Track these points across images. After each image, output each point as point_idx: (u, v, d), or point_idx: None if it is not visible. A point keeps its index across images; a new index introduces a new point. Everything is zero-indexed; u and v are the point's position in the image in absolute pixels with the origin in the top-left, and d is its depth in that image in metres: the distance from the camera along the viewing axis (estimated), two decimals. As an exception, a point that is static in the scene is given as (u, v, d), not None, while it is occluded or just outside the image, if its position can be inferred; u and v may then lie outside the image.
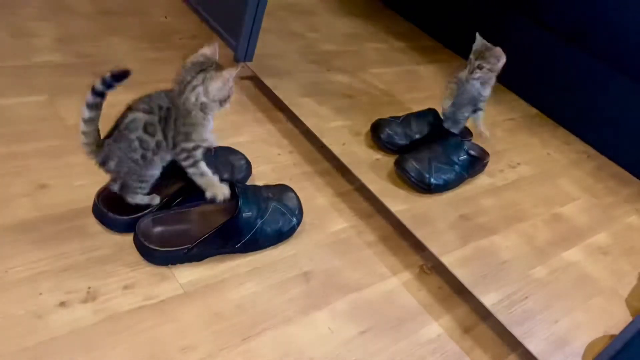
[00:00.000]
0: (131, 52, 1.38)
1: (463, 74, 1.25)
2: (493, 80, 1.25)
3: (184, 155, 0.84)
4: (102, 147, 0.83)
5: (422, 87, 1.48)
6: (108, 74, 0.76)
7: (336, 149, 1.25)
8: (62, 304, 0.78)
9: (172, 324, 0.80)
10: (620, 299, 1.13)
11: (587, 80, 1.65)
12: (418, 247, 1.08)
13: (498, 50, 1.19)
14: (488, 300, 1.00)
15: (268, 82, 1.36)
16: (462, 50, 1.92)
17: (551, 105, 1.74)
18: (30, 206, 0.90)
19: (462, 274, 1.02)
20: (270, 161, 1.19)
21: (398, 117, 1.34)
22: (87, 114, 0.80)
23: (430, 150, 1.24)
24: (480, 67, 1.18)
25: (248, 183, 1.09)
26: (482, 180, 1.34)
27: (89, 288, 0.81)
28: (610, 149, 1.63)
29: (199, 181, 0.87)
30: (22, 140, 1.02)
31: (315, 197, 1.13)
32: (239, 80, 1.42)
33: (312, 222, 1.06)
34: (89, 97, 0.78)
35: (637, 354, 0.87)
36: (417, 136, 1.30)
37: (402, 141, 1.28)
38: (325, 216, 1.10)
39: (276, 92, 1.35)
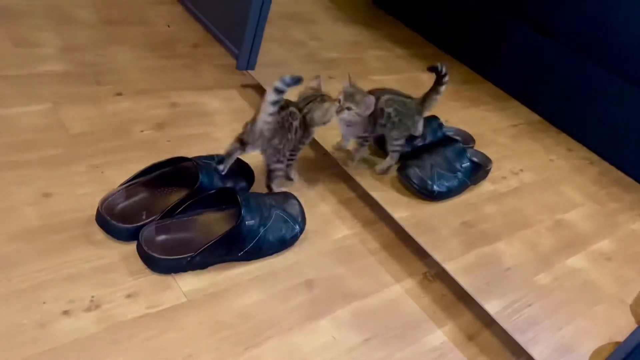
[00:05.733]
0: (134, 60, 1.39)
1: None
2: (362, 126, 1.19)
3: (299, 149, 1.12)
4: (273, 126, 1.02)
5: (424, 94, 1.49)
6: (288, 77, 0.95)
7: (339, 156, 1.25)
8: (66, 313, 0.78)
9: (175, 333, 0.80)
10: (625, 305, 1.12)
11: (589, 87, 1.65)
12: (421, 254, 1.08)
13: (371, 99, 1.13)
14: (492, 307, 0.99)
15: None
16: (464, 57, 1.94)
17: (554, 112, 1.75)
18: (34, 215, 0.90)
19: (465, 281, 1.02)
20: (273, 169, 1.19)
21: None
22: (271, 109, 0.98)
23: (433, 158, 1.24)
24: (348, 109, 1.13)
25: (251, 191, 1.09)
26: (484, 187, 1.34)
27: (93, 297, 0.81)
28: (613, 155, 1.63)
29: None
30: (26, 149, 1.03)
31: (318, 205, 1.13)
32: (241, 88, 1.42)
33: (315, 230, 1.06)
34: (272, 96, 0.96)
35: (642, 361, 0.86)
36: (420, 143, 1.30)
37: (405, 149, 1.28)
38: (328, 224, 1.10)
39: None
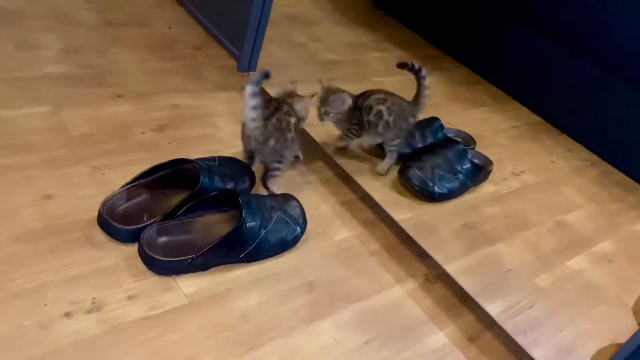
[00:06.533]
0: (135, 62, 1.39)
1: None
2: (347, 120, 1.21)
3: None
4: (265, 127, 1.03)
5: (425, 96, 1.50)
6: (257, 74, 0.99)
7: (339, 158, 1.25)
8: (67, 315, 0.78)
9: (176, 334, 0.80)
10: (626, 307, 1.12)
11: (590, 88, 1.65)
12: (422, 255, 1.08)
13: (341, 96, 1.17)
14: (493, 309, 0.99)
15: (271, 92, 1.36)
16: (464, 59, 1.94)
17: (554, 113, 1.75)
18: (35, 217, 0.91)
19: (466, 283, 1.02)
20: (274, 170, 1.19)
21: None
22: (253, 102, 0.99)
23: (434, 159, 1.24)
24: (327, 114, 1.18)
25: (252, 192, 1.09)
26: (485, 189, 1.34)
27: (94, 298, 0.81)
28: (614, 156, 1.63)
29: None
30: (27, 151, 1.03)
31: (319, 206, 1.13)
32: (242, 90, 1.42)
33: (316, 231, 1.06)
34: (250, 88, 0.98)
35: (643, 362, 0.86)
36: (420, 145, 1.30)
37: (405, 150, 1.28)
38: (329, 225, 1.10)
39: (279, 102, 1.36)
